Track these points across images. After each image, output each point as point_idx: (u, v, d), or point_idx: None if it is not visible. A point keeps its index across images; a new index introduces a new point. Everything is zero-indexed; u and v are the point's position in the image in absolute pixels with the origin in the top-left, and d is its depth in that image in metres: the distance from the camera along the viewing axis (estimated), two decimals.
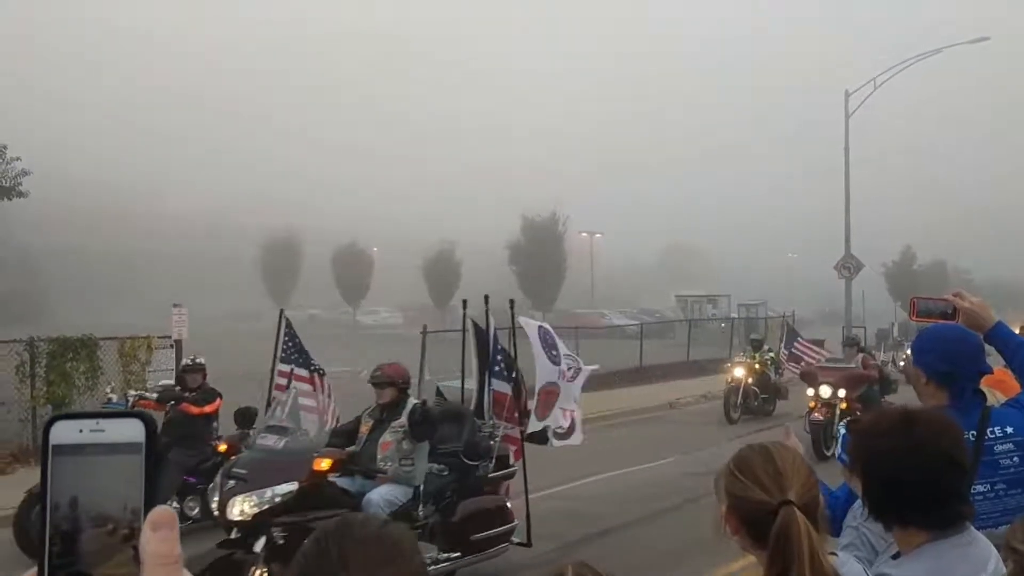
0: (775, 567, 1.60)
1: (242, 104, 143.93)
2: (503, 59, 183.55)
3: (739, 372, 17.11)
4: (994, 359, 2.95)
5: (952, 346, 2.78)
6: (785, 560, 1.58)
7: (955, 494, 1.96)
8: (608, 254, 72.49)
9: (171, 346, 13.70)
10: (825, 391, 13.12)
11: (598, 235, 67.21)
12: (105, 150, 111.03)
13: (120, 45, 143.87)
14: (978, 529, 2.53)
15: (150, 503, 0.73)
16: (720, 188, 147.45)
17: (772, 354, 18.32)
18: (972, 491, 2.58)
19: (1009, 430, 2.64)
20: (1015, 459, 2.61)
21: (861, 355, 14.57)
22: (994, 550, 2.04)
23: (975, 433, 2.63)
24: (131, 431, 0.74)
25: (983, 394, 2.76)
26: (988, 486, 2.60)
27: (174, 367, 13.59)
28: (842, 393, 12.99)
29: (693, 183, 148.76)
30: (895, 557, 2.00)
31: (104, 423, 0.74)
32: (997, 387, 3.47)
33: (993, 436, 2.62)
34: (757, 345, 18.25)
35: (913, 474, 1.90)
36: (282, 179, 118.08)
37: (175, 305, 14.13)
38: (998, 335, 2.93)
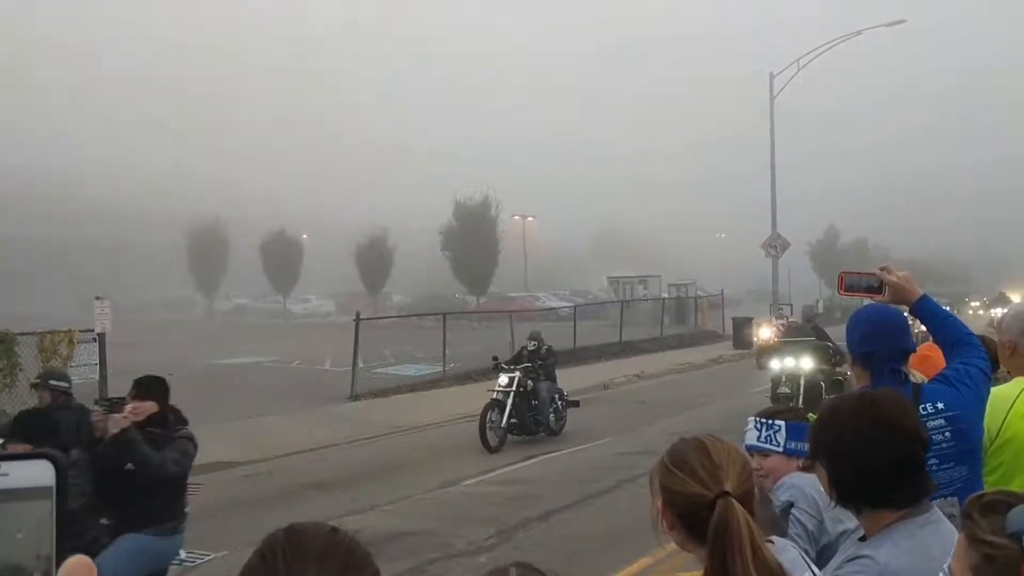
0: (715, 560, 1.57)
1: (165, 86, 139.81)
2: (437, 40, 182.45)
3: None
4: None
5: (869, 327, 2.82)
6: (725, 552, 1.55)
7: (921, 470, 2.00)
8: (541, 237, 72.67)
9: (94, 340, 13.24)
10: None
11: (531, 218, 67.27)
12: (21, 135, 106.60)
13: (38, 25, 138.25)
14: None
15: (62, 551, 0.69)
16: (651, 171, 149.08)
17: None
18: None
19: (940, 406, 2.68)
20: (947, 434, 2.65)
21: None
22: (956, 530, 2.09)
23: None
24: (39, 474, 0.70)
25: (903, 373, 2.78)
26: None
27: (97, 362, 13.20)
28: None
29: (625, 165, 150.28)
30: (863, 539, 2.00)
31: (7, 466, 0.70)
32: (920, 364, 3.54)
33: (925, 413, 2.65)
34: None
35: (884, 454, 1.93)
36: (208, 164, 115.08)
37: (97, 297, 13.64)
38: (924, 308, 2.93)
